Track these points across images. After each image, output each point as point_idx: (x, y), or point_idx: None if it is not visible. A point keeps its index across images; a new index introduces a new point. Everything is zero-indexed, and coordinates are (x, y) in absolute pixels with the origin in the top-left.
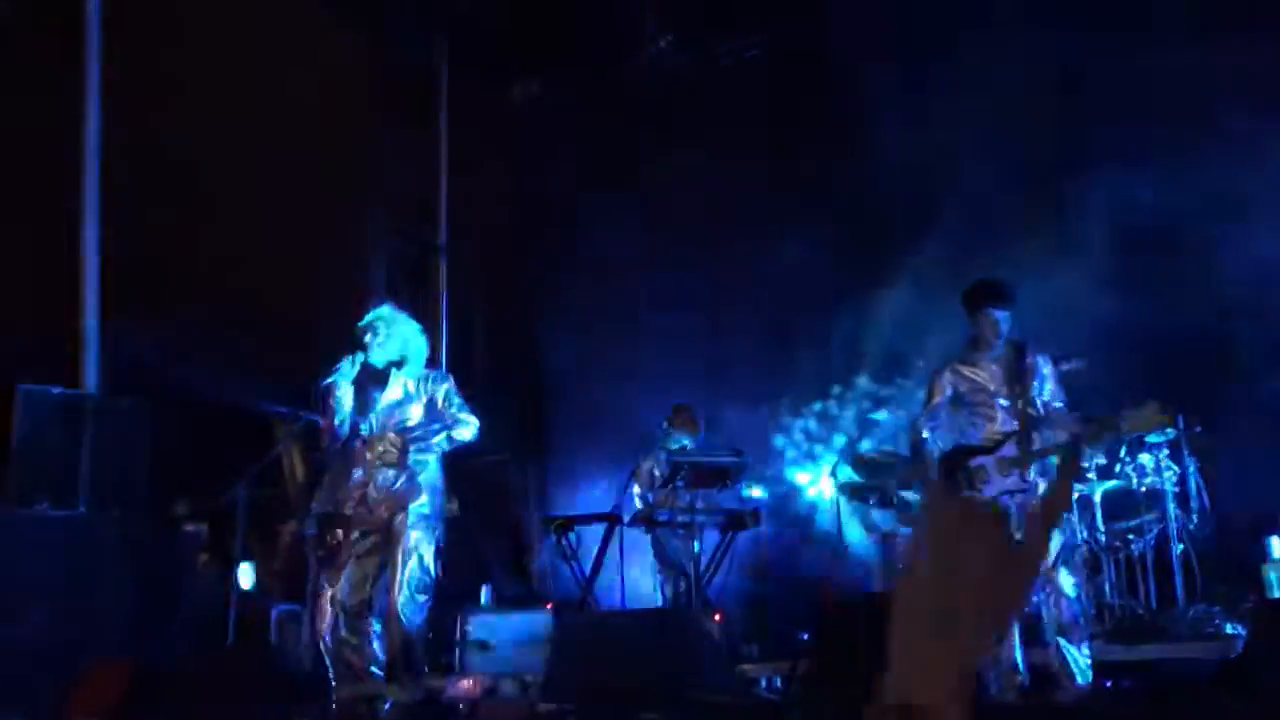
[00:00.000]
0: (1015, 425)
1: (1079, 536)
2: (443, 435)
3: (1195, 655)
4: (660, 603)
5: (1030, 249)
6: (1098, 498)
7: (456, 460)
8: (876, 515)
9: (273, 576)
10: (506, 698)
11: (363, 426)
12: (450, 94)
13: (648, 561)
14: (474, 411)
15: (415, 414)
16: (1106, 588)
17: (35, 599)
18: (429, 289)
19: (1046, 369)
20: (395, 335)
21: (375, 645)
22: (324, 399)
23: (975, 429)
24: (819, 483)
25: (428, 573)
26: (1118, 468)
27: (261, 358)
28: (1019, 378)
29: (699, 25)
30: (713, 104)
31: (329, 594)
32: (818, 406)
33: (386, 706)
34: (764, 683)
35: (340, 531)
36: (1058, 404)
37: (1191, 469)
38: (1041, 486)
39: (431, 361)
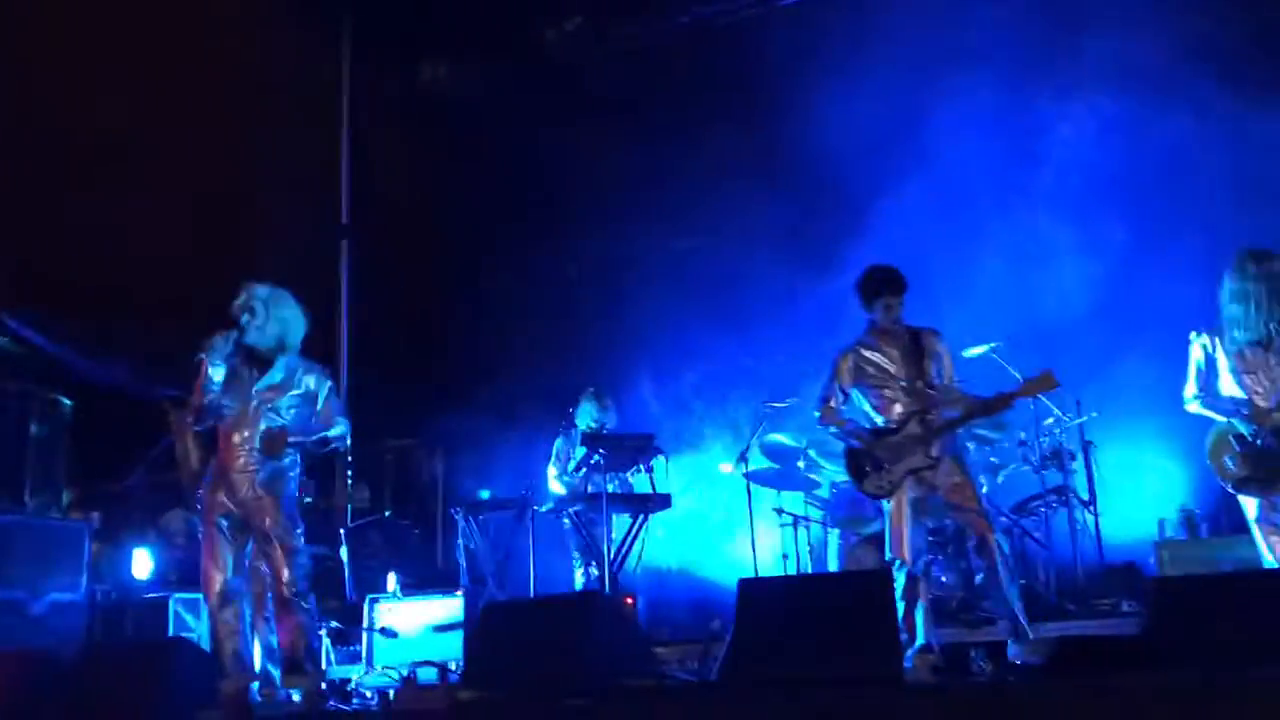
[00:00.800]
0: (916, 405)
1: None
2: (318, 437)
3: (1094, 632)
4: (576, 587)
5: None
6: (999, 480)
7: (364, 446)
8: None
9: (171, 565)
10: (425, 685)
11: (232, 407)
12: (352, 75)
13: (559, 545)
14: (346, 413)
15: (288, 400)
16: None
17: None
18: (332, 271)
19: (941, 347)
20: (275, 318)
21: (264, 635)
22: (194, 375)
23: (879, 410)
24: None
25: (307, 559)
26: (1019, 452)
27: (156, 341)
28: (917, 359)
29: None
30: (622, 85)
31: (217, 582)
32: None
33: (291, 696)
34: (676, 666)
35: (221, 519)
36: (954, 382)
37: (1090, 450)
38: (946, 462)
39: (329, 343)
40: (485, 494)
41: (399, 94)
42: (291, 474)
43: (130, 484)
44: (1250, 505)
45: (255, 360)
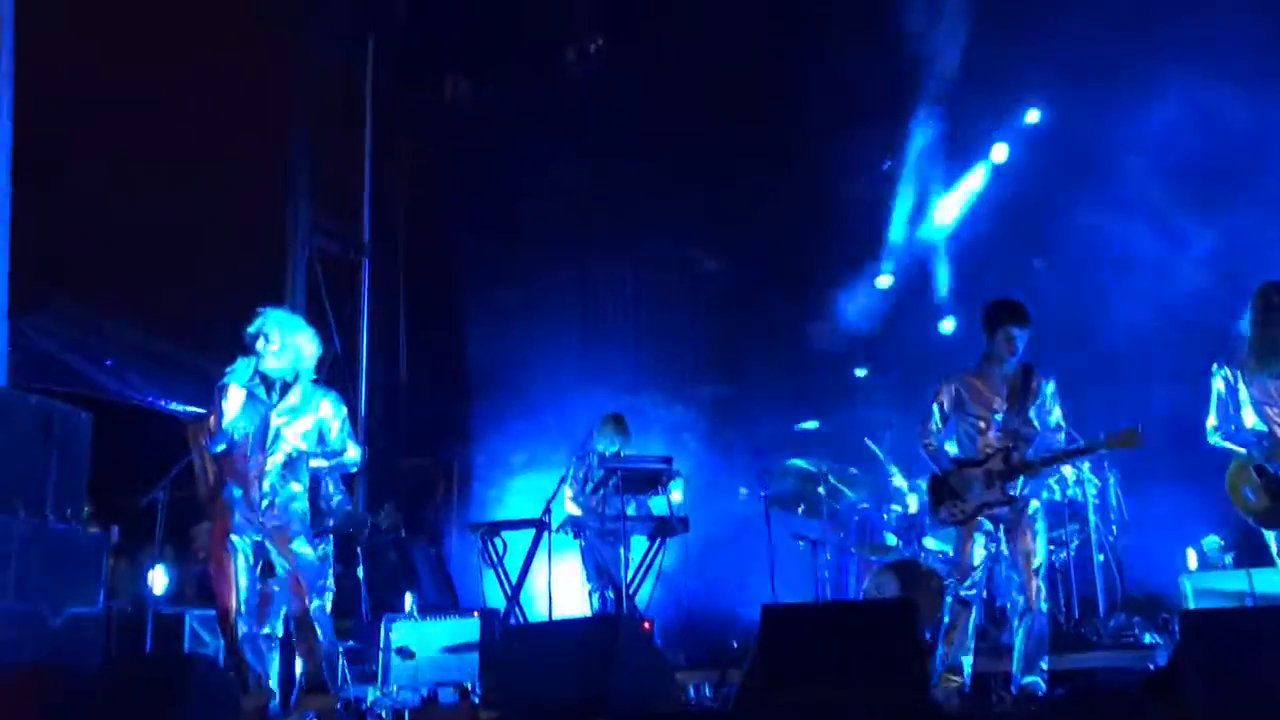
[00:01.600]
0: (1007, 441)
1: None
2: (335, 462)
3: (1116, 664)
4: (591, 611)
5: None
6: None
7: (381, 465)
8: (803, 525)
9: (188, 581)
10: (447, 705)
11: (244, 432)
12: (375, 93)
13: (576, 568)
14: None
15: (306, 426)
16: None
17: None
18: (352, 288)
19: (1049, 390)
20: (289, 346)
21: (282, 654)
22: (216, 400)
23: (971, 440)
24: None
25: (331, 580)
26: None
27: (177, 358)
28: (1022, 396)
29: (632, 29)
30: (642, 106)
31: (234, 601)
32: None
33: (310, 716)
34: (692, 691)
35: (237, 540)
36: (1056, 425)
37: (1112, 481)
38: (1026, 519)
39: (352, 361)
40: (502, 515)
41: (421, 111)
42: (307, 496)
43: (152, 499)
44: (1274, 538)
45: (271, 385)
